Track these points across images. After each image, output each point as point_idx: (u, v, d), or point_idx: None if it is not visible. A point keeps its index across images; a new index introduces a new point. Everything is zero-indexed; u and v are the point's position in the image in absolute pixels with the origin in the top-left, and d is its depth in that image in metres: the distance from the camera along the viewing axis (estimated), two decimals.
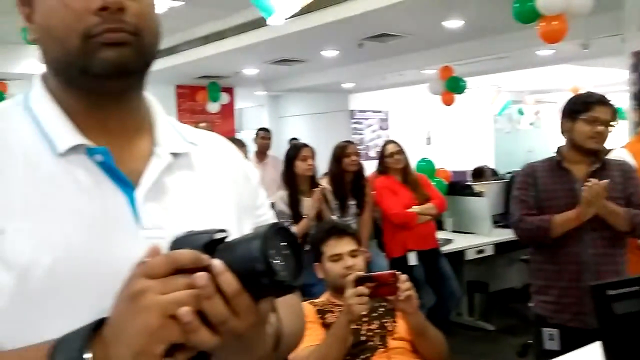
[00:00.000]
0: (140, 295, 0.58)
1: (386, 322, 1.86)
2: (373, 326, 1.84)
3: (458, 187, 5.28)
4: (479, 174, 6.57)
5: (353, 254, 1.97)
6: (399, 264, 3.79)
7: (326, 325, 1.80)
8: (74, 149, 0.69)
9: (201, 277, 0.59)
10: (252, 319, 0.64)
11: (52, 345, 0.60)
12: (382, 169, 4.04)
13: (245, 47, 6.03)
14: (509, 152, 11.23)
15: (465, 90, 6.77)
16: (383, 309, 1.88)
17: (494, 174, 7.12)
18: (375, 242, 4.11)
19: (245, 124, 10.83)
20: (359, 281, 1.72)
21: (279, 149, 8.37)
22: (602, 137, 2.23)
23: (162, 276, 0.59)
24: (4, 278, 0.63)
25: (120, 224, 0.69)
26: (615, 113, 2.26)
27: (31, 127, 0.71)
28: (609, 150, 2.37)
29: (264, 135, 5.83)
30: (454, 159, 8.81)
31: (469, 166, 7.71)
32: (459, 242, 4.48)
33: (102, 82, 0.71)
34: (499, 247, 4.51)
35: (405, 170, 3.96)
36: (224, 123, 9.22)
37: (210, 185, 0.80)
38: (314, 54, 6.86)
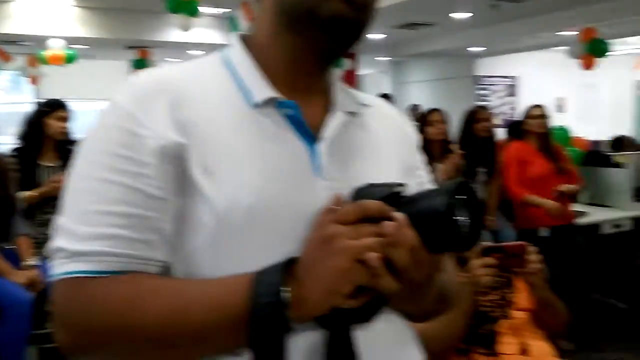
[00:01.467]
0: (333, 239, 0.64)
1: (506, 294, 1.82)
2: (494, 297, 1.80)
3: (596, 157, 4.97)
4: (619, 144, 6.12)
5: None
6: (528, 234, 3.67)
7: None
8: (267, 102, 0.75)
9: (389, 225, 0.64)
10: (429, 270, 0.68)
11: (252, 278, 0.66)
12: (519, 133, 3.91)
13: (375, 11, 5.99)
14: None
15: (607, 54, 6.28)
16: (503, 280, 1.82)
17: (635, 144, 6.60)
18: (503, 211, 4.00)
19: (366, 91, 10.82)
20: (486, 251, 1.69)
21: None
22: None
23: (352, 223, 0.64)
24: (209, 216, 0.69)
25: (304, 174, 0.74)
26: None
27: (228, 78, 0.77)
28: None
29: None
30: (589, 128, 8.25)
31: (605, 135, 7.19)
32: (595, 215, 4.24)
33: (325, 31, 0.73)
34: (638, 221, 4.21)
35: (545, 137, 3.78)
36: None
37: (379, 143, 0.84)
38: (444, 17, 6.68)
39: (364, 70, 10.49)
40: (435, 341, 1.67)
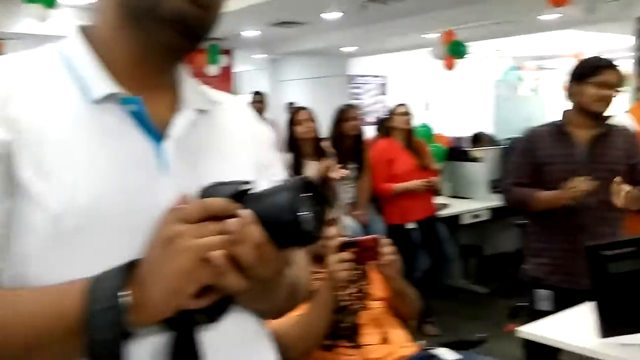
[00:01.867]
0: (176, 238, 0.62)
1: (363, 286, 1.88)
2: (352, 290, 1.84)
3: (457, 152, 5.31)
4: (477, 140, 6.59)
5: (330, 223, 1.91)
6: (396, 228, 3.85)
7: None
8: (108, 97, 0.71)
9: (233, 223, 0.63)
10: (276, 266, 0.68)
11: (88, 283, 0.62)
12: (386, 130, 4.07)
13: (246, 8, 5.96)
14: (508, 118, 11.19)
15: (466, 55, 6.73)
16: (360, 273, 1.88)
17: (492, 140, 7.13)
18: (373, 205, 4.15)
19: (244, 88, 10.76)
20: (342, 247, 1.73)
21: (279, 113, 8.36)
22: (609, 100, 2.26)
23: (196, 222, 0.63)
24: (41, 219, 0.65)
25: (148, 173, 0.71)
26: (621, 78, 2.29)
27: (64, 73, 0.72)
28: (611, 116, 2.39)
29: (257, 99, 5.87)
30: (453, 125, 8.81)
31: (468, 132, 7.71)
32: (456, 206, 4.53)
33: (168, 28, 0.71)
34: (495, 212, 4.55)
35: (409, 134, 3.98)
36: (221, 86, 9.15)
37: (230, 142, 0.83)
38: (315, 16, 6.79)
39: (240, 67, 10.41)
40: (300, 340, 1.69)
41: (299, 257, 0.89)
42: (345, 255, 1.70)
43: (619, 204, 2.11)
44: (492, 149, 5.51)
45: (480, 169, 4.86)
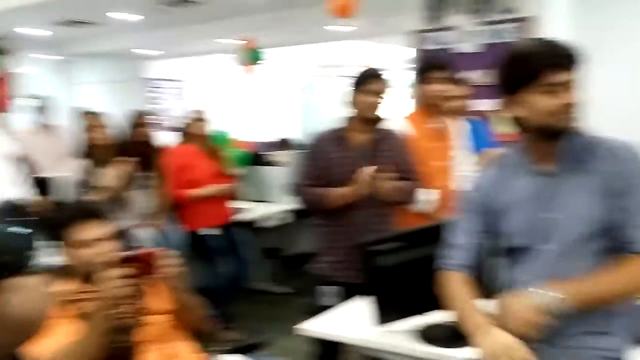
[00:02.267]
0: None
1: (144, 301, 1.77)
2: (131, 307, 1.71)
3: (259, 157, 5.39)
4: (283, 145, 6.79)
5: (104, 238, 1.77)
6: (196, 235, 3.78)
7: (78, 317, 1.64)
8: None
9: None
10: None
11: None
12: (184, 137, 3.98)
13: (27, 5, 5.44)
14: (313, 123, 11.70)
15: (262, 61, 6.89)
16: (140, 287, 1.75)
17: (298, 144, 7.37)
18: (172, 213, 4.02)
19: (30, 91, 9.75)
20: (121, 262, 1.63)
21: (72, 118, 7.73)
22: (375, 106, 2.48)
23: None
24: None
25: None
26: (386, 86, 2.50)
27: None
28: (386, 121, 2.61)
29: (40, 104, 5.45)
30: (259, 130, 8.95)
31: (275, 137, 7.88)
32: (258, 210, 4.58)
33: None
34: (297, 214, 4.69)
35: (205, 139, 3.94)
36: None
37: None
38: (106, 17, 6.42)
39: (27, 69, 9.46)
40: None
41: (30, 283, 0.80)
42: (123, 270, 1.60)
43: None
44: (293, 152, 5.69)
45: (282, 173, 4.97)
